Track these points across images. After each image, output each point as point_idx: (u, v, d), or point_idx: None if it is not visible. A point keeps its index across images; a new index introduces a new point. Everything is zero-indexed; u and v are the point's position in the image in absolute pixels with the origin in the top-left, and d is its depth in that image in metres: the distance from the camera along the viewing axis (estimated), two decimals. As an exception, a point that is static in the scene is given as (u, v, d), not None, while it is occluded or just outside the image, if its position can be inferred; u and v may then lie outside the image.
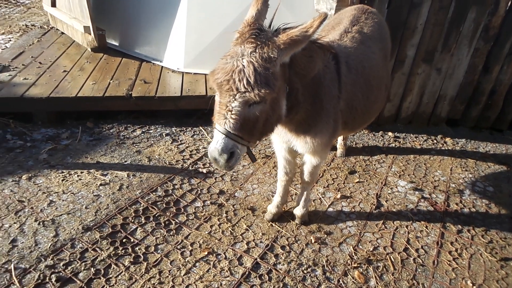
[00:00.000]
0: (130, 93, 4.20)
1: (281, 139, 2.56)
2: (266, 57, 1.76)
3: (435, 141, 4.52)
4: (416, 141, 4.47)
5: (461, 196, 3.59)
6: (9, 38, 6.13)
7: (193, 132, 4.25)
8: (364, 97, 2.65)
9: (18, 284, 2.30)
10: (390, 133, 4.54)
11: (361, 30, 2.84)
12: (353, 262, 2.75)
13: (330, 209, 3.26)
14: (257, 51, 1.76)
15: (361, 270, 2.70)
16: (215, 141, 1.84)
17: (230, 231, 2.92)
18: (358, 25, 2.87)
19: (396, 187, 3.62)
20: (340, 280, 2.61)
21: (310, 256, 2.77)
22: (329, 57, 2.29)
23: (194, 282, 2.47)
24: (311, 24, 1.80)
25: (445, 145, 4.46)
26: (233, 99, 1.77)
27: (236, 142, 1.84)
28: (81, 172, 3.39)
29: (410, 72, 4.30)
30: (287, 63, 1.91)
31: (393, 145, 4.36)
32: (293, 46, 1.81)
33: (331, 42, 2.55)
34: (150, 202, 3.11)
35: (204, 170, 3.59)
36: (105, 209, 2.99)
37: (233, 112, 1.78)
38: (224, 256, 2.69)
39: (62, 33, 5.93)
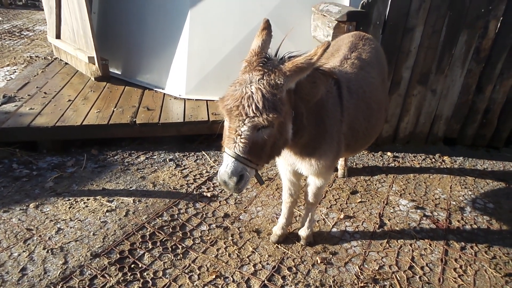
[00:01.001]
0: (134, 120, 4.30)
1: (286, 162, 2.64)
2: (273, 83, 1.86)
3: (433, 160, 4.60)
4: (414, 160, 4.56)
5: (462, 213, 3.64)
6: (14, 69, 6.28)
7: (196, 157, 4.33)
8: (365, 120, 2.75)
9: (29, 312, 2.31)
10: (389, 153, 4.63)
11: (360, 56, 2.96)
12: (359, 282, 2.77)
13: (334, 229, 3.30)
14: (264, 78, 1.86)
15: (368, 289, 2.72)
16: (225, 165, 1.91)
17: (237, 254, 2.95)
18: (356, 52, 3.00)
19: (398, 206, 3.67)
20: (348, 300, 2.63)
21: (317, 276, 2.79)
22: (331, 82, 2.40)
23: (203, 306, 2.49)
24: (315, 52, 1.91)
25: (443, 163, 4.55)
26: (242, 124, 1.85)
27: (245, 165, 1.91)
28: (88, 199, 3.44)
29: (406, 93, 4.44)
30: (293, 89, 2.01)
31: (393, 164, 4.44)
32: (298, 73, 1.91)
33: (332, 68, 2.66)
34: (156, 227, 3.14)
35: (209, 194, 3.65)
36: (112, 235, 3.02)
37: (242, 136, 1.87)
38: (232, 279, 2.71)
39: (66, 63, 6.10)
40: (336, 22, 3.86)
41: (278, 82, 1.87)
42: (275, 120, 1.85)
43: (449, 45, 4.23)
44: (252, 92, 1.83)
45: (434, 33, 4.13)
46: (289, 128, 2.07)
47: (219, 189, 3.74)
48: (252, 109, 1.81)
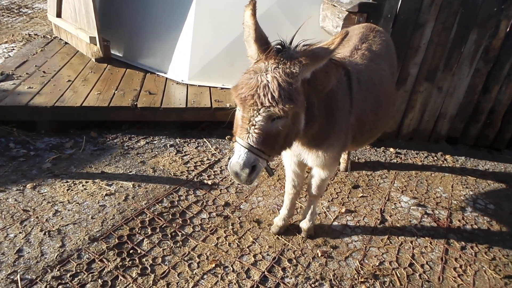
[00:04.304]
0: (135, 103, 4.21)
1: (292, 152, 2.58)
2: (289, 72, 1.79)
3: (435, 158, 4.58)
4: (417, 157, 4.53)
5: (463, 213, 3.63)
6: (12, 47, 6.14)
7: (197, 143, 4.26)
8: (373, 112, 2.70)
9: (24, 295, 2.26)
10: (391, 149, 4.59)
11: (370, 48, 2.91)
12: (360, 277, 2.75)
13: (335, 223, 3.28)
14: (280, 66, 1.80)
15: (368, 285, 2.70)
16: (237, 155, 1.85)
17: (237, 243, 2.92)
18: (367, 43, 2.94)
19: (399, 203, 3.65)
20: (348, 295, 2.61)
21: (317, 270, 2.76)
22: (341, 73, 2.34)
23: (203, 295, 2.45)
24: (332, 41, 1.85)
25: (445, 162, 4.52)
26: (257, 114, 1.79)
27: (258, 156, 1.85)
28: (86, 182, 3.38)
29: (412, 89, 4.39)
30: (307, 79, 1.95)
31: (395, 161, 4.41)
32: (314, 63, 1.85)
33: (343, 59, 2.60)
34: (156, 213, 3.09)
35: (209, 182, 3.60)
36: (111, 219, 2.97)
37: (256, 127, 1.81)
38: (231, 268, 2.68)
39: (66, 43, 5.96)
40: (347, 13, 3.78)
41: (294, 71, 1.81)
42: (290, 110, 1.79)
43: (458, 43, 4.18)
44: (268, 81, 1.77)
45: (444, 30, 4.07)
46: (302, 118, 2.02)
47: (220, 177, 3.69)
48: (268, 99, 1.74)
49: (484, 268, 2.99)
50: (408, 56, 4.17)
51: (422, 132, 4.76)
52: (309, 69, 1.87)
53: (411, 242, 3.16)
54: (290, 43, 1.93)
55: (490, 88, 4.50)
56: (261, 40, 1.90)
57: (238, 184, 3.60)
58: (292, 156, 2.67)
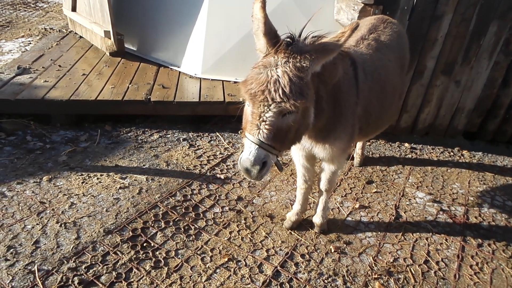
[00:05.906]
0: (149, 97, 4.23)
1: (300, 146, 2.55)
2: (299, 66, 1.76)
3: (452, 153, 4.49)
4: (433, 152, 4.45)
5: (480, 209, 3.55)
6: (29, 41, 6.23)
7: (210, 137, 4.26)
8: (379, 103, 2.67)
9: (41, 286, 2.30)
10: (406, 144, 4.52)
11: (378, 38, 2.86)
12: (373, 273, 2.72)
13: (349, 219, 3.25)
14: (290, 61, 1.76)
15: (382, 281, 2.67)
16: (247, 151, 1.83)
17: (250, 238, 2.91)
18: (375, 33, 2.89)
19: (414, 199, 3.60)
20: (361, 291, 2.58)
21: (330, 265, 2.75)
22: (348, 63, 2.30)
23: (215, 289, 2.46)
24: (342, 33, 1.81)
25: (462, 157, 4.43)
26: (268, 109, 1.76)
27: (268, 152, 1.84)
28: (101, 175, 3.41)
29: (429, 83, 4.30)
30: (316, 72, 1.92)
31: (410, 156, 4.34)
32: (325, 56, 1.82)
33: (347, 48, 2.56)
34: (169, 207, 3.11)
35: (222, 176, 3.60)
36: (125, 212, 3.00)
37: (267, 123, 1.78)
38: (244, 263, 2.68)
39: (81, 37, 6.02)
40: (362, 5, 3.71)
41: (305, 65, 1.78)
42: (301, 105, 1.76)
43: (477, 35, 4.06)
44: (278, 75, 1.73)
45: (463, 22, 3.96)
46: (312, 112, 1.99)
47: (233, 172, 3.69)
48: (279, 94, 1.71)
49: (501, 266, 2.93)
50: (425, 49, 4.07)
51: (438, 127, 4.66)
52: (320, 62, 1.84)
53: (426, 238, 3.11)
54: (299, 36, 1.89)
55: (510, 82, 4.37)
56: (271, 34, 1.86)
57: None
58: (300, 150, 2.65)
